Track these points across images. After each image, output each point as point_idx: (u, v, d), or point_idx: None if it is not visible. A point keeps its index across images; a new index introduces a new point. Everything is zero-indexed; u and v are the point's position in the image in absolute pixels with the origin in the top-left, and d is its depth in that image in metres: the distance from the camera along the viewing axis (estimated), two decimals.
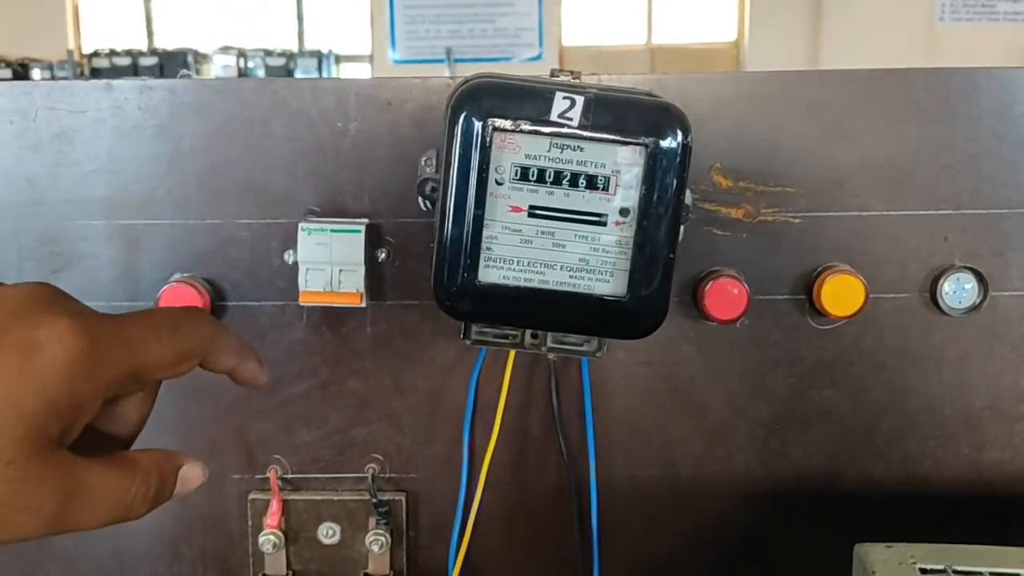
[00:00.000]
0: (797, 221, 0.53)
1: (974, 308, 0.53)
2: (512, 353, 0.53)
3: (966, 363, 0.54)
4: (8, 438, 0.28)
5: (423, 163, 0.49)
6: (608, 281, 0.43)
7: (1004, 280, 0.53)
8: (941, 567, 0.42)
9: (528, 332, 0.50)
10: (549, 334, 0.50)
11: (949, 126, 0.52)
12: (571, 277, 0.43)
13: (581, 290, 0.43)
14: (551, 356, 0.53)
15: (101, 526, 0.32)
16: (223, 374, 0.37)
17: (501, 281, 0.43)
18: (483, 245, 0.43)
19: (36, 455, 0.29)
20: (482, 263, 0.43)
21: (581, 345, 0.51)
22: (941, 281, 0.53)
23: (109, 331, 0.31)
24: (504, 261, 0.43)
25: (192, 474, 0.36)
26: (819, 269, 0.53)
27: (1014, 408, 0.55)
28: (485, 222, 0.43)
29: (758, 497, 0.56)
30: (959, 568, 0.42)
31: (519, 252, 0.43)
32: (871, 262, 0.53)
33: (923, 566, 0.42)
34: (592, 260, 0.43)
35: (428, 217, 0.51)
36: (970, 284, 0.53)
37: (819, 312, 0.53)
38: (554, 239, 0.43)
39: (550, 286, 0.43)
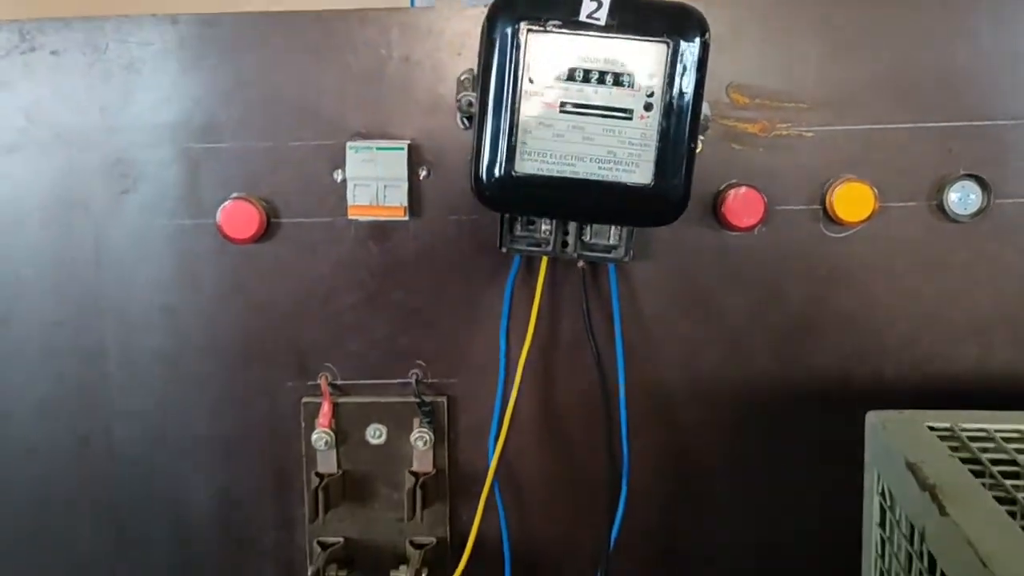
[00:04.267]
0: (810, 135, 0.57)
1: (979, 214, 0.57)
2: (545, 260, 0.56)
3: (973, 267, 0.58)
4: None
5: (461, 80, 0.53)
6: (634, 171, 0.47)
7: (1006, 187, 0.57)
8: (947, 425, 0.45)
9: (560, 239, 0.54)
10: (579, 241, 0.55)
11: (953, 42, 0.55)
12: (600, 168, 0.47)
13: (609, 179, 0.47)
14: (580, 263, 0.57)
15: None
16: None
17: (536, 172, 0.47)
18: (519, 139, 0.47)
19: None
20: (518, 156, 0.47)
21: (609, 252, 0.55)
22: (947, 189, 0.57)
23: None
24: (538, 154, 0.47)
25: None
26: (831, 180, 0.57)
27: (1020, 310, 0.58)
28: (520, 118, 0.47)
29: (774, 397, 0.59)
30: (966, 426, 0.45)
31: (552, 145, 0.47)
32: (880, 172, 0.57)
33: (931, 424, 0.45)
34: (619, 152, 0.47)
35: (466, 138, 0.55)
36: (975, 192, 0.57)
37: (832, 220, 0.57)
38: (584, 133, 0.47)
39: (581, 176, 0.47)
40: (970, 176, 0.56)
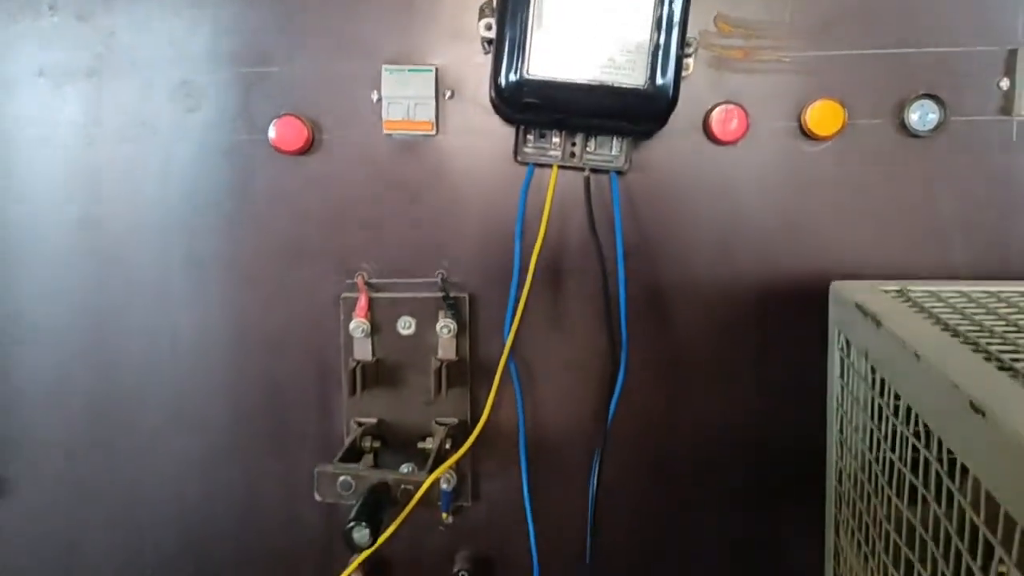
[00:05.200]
0: (787, 60, 0.65)
1: (936, 129, 0.65)
2: (554, 170, 0.65)
3: (931, 178, 0.65)
4: None
5: (481, 7, 0.62)
6: (631, 74, 0.56)
7: (960, 107, 0.64)
8: (898, 288, 0.53)
9: (568, 149, 0.63)
10: (584, 152, 0.63)
11: None
12: (601, 72, 0.56)
13: (609, 82, 0.56)
14: (586, 172, 0.65)
15: None
16: None
17: (546, 77, 0.56)
18: (531, 49, 0.55)
19: None
20: (533, 62, 0.56)
21: (611, 162, 0.64)
22: (908, 108, 0.64)
23: None
24: (548, 61, 0.56)
25: None
26: (806, 100, 0.65)
27: (974, 216, 0.65)
28: (532, 31, 0.55)
29: (757, 293, 0.67)
30: (913, 288, 0.53)
31: (560, 53, 0.56)
32: (849, 93, 0.64)
33: (884, 287, 0.53)
34: (618, 58, 0.56)
35: (484, 64, 0.64)
36: (933, 111, 0.65)
37: (807, 135, 0.65)
38: (587, 42, 0.56)
39: (585, 79, 0.56)
40: (928, 96, 0.64)
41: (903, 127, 0.65)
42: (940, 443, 0.36)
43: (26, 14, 0.67)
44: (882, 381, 0.45)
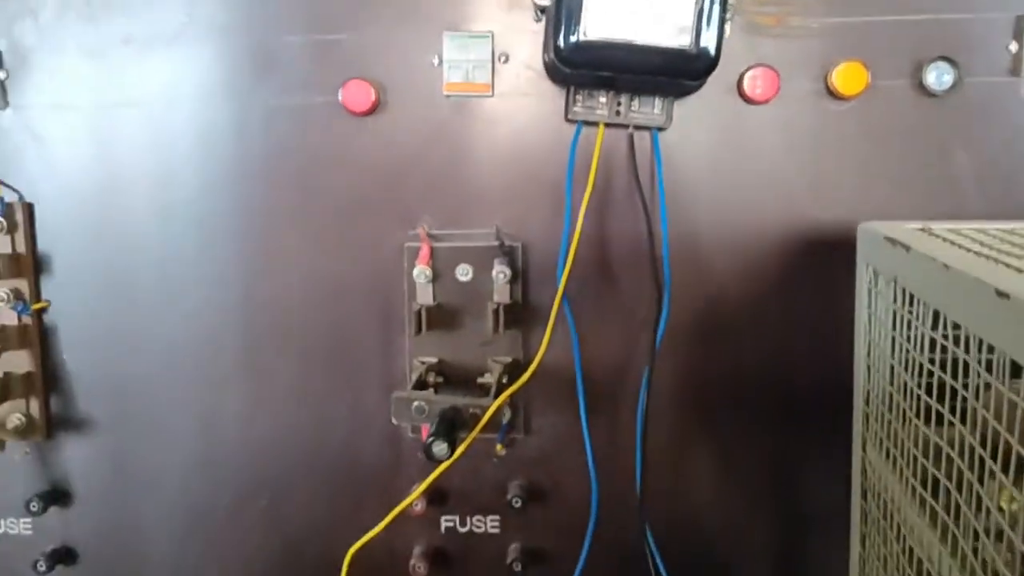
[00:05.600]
0: (815, 25, 0.71)
1: (951, 90, 0.70)
2: (601, 127, 0.71)
3: (947, 135, 0.71)
4: None
5: None
6: (677, 35, 0.61)
7: (973, 68, 0.70)
8: (921, 226, 0.59)
9: (614, 108, 0.69)
10: (629, 111, 0.69)
11: None
12: (651, 34, 0.62)
13: (659, 43, 0.62)
14: (630, 129, 0.71)
15: None
16: None
17: (600, 38, 0.62)
18: (588, 12, 0.61)
19: None
20: (588, 25, 0.61)
21: (653, 119, 0.70)
22: (925, 69, 0.70)
23: None
24: (604, 23, 0.61)
25: None
26: (832, 62, 0.71)
27: (986, 170, 0.71)
28: None
29: (792, 242, 0.73)
30: (936, 226, 0.59)
31: (614, 15, 0.61)
32: (872, 56, 0.70)
33: (908, 225, 0.59)
34: (667, 21, 0.61)
35: (536, 31, 0.70)
36: (948, 72, 0.70)
37: (832, 95, 0.71)
38: (638, 5, 0.61)
39: (637, 40, 0.62)
40: (944, 59, 0.70)
41: (920, 87, 0.71)
42: (967, 339, 0.42)
43: None
44: (911, 297, 0.51)
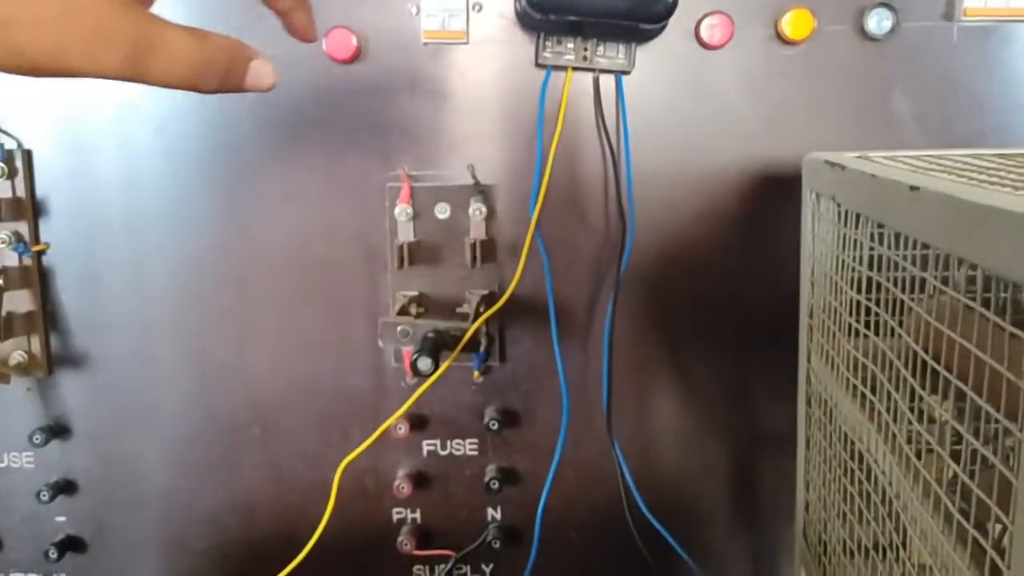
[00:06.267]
0: None
1: (891, 33, 0.76)
2: (569, 71, 0.76)
3: (888, 76, 0.77)
4: None
5: None
6: None
7: (911, 14, 0.76)
8: (859, 154, 0.65)
9: (581, 53, 0.74)
10: (595, 55, 0.74)
11: None
12: None
13: None
14: (595, 73, 0.76)
15: (172, 83, 0.36)
16: (278, 11, 0.46)
17: None
18: None
19: (122, 1, 0.33)
20: None
21: (618, 63, 0.75)
22: (866, 14, 0.76)
23: None
24: None
25: (263, 70, 0.41)
26: (782, 8, 0.76)
27: (926, 109, 0.77)
28: None
29: (746, 177, 0.79)
30: (875, 154, 0.64)
31: None
32: (818, 2, 0.76)
33: (850, 155, 0.65)
34: None
35: None
36: (887, 18, 0.76)
37: (782, 40, 0.76)
38: None
39: None
40: (883, 5, 0.76)
41: (862, 32, 0.76)
42: (895, 237, 0.47)
43: None
44: (846, 213, 0.57)
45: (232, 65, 0.39)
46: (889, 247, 0.48)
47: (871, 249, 0.52)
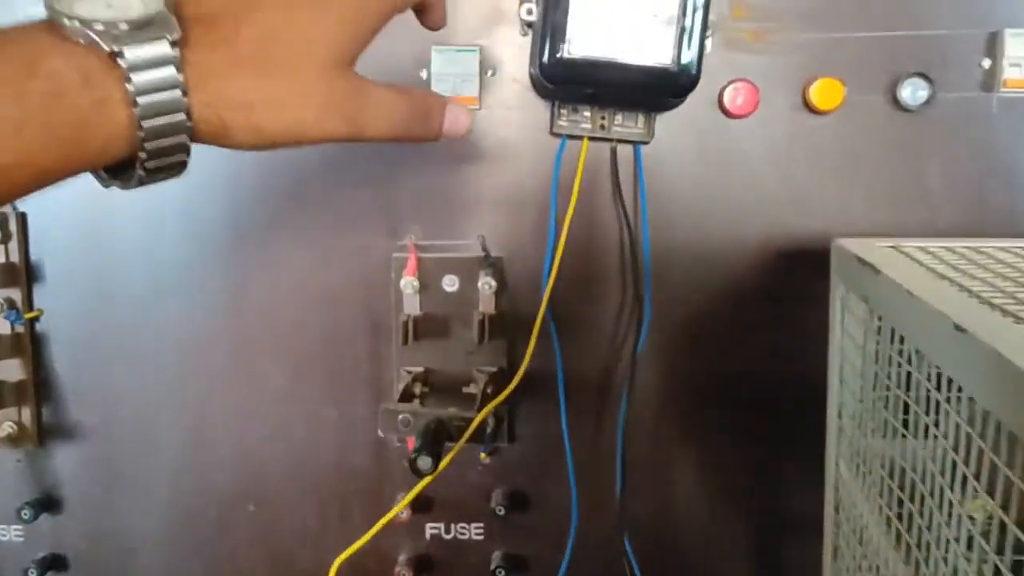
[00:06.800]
0: (794, 41, 0.72)
1: (926, 104, 0.72)
2: (585, 141, 0.72)
3: (922, 148, 0.73)
4: (321, 60, 0.36)
5: None
6: (660, 55, 0.63)
7: (947, 84, 0.72)
8: (892, 244, 0.61)
9: (598, 122, 0.70)
10: (612, 125, 0.70)
11: None
12: (634, 53, 0.63)
13: (640, 62, 0.63)
14: (613, 143, 0.72)
15: (384, 137, 0.41)
16: (416, 6, 0.48)
17: (583, 56, 0.63)
18: (572, 30, 0.63)
19: (339, 73, 0.37)
20: (573, 43, 0.63)
21: (636, 133, 0.71)
22: (900, 84, 0.72)
23: None
24: (588, 41, 0.63)
25: (459, 116, 0.44)
26: (810, 77, 0.72)
27: (960, 182, 0.73)
28: (573, 14, 0.62)
29: (770, 252, 0.75)
30: (906, 243, 0.60)
31: (598, 35, 0.63)
32: (848, 71, 0.72)
33: (879, 244, 0.61)
34: (649, 41, 0.63)
35: (523, 45, 0.71)
36: (922, 88, 0.72)
37: (810, 109, 0.73)
38: (623, 26, 0.63)
39: (620, 59, 0.63)
40: (918, 74, 0.72)
41: (895, 102, 0.72)
42: (929, 366, 0.43)
43: None
44: (879, 319, 0.53)
45: (431, 113, 0.43)
46: (929, 378, 0.43)
47: (908, 374, 0.47)
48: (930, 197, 0.73)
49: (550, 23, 0.63)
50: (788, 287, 0.75)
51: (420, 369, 0.75)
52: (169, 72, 0.32)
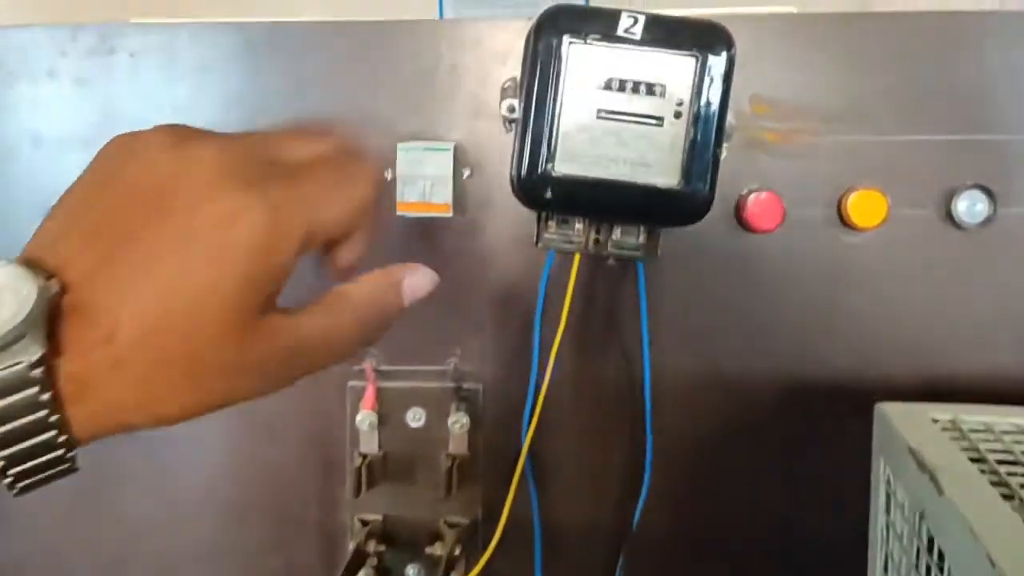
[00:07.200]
0: (826, 144, 0.61)
1: (985, 222, 0.61)
2: (577, 256, 0.60)
3: (979, 273, 0.61)
4: (219, 323, 0.28)
5: (504, 87, 0.58)
6: (664, 173, 0.52)
7: (1011, 198, 0.60)
8: (950, 417, 0.49)
9: (591, 237, 0.58)
10: (609, 239, 0.59)
11: (960, 57, 0.59)
12: (632, 171, 0.52)
13: (640, 181, 0.52)
14: (610, 260, 0.61)
15: (327, 366, 0.33)
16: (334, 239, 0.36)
17: (572, 173, 0.52)
18: (558, 142, 0.51)
19: (247, 330, 0.29)
20: (558, 158, 0.52)
21: (637, 250, 0.59)
22: (955, 198, 0.60)
23: (288, 197, 0.30)
24: (575, 156, 0.52)
25: (418, 283, 0.37)
26: (846, 187, 0.61)
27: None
28: (560, 123, 0.51)
29: (789, 391, 0.63)
30: (966, 418, 0.49)
31: (589, 149, 0.52)
32: (892, 181, 0.60)
33: (934, 416, 0.49)
34: (650, 156, 0.52)
35: (507, 141, 0.60)
36: (981, 202, 0.61)
37: (846, 225, 0.61)
38: (618, 138, 0.51)
39: (615, 178, 0.52)
40: (977, 187, 0.60)
41: (949, 218, 0.61)
42: None
43: (22, 79, 0.63)
44: (938, 547, 0.41)
45: (382, 313, 0.35)
46: None
47: None
48: (988, 330, 0.62)
49: (531, 130, 0.51)
50: (813, 430, 0.63)
51: (378, 518, 0.64)
52: (30, 394, 0.27)
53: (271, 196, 0.29)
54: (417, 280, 0.37)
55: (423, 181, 0.61)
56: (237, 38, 0.61)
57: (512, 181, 0.54)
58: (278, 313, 0.31)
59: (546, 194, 0.52)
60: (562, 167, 0.52)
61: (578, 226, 0.59)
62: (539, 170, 0.52)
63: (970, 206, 0.61)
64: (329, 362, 0.33)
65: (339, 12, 0.66)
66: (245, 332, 0.29)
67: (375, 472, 0.62)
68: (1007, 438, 0.47)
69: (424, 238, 0.62)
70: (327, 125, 0.37)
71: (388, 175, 0.62)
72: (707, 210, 0.52)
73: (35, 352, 0.27)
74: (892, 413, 0.50)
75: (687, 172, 0.51)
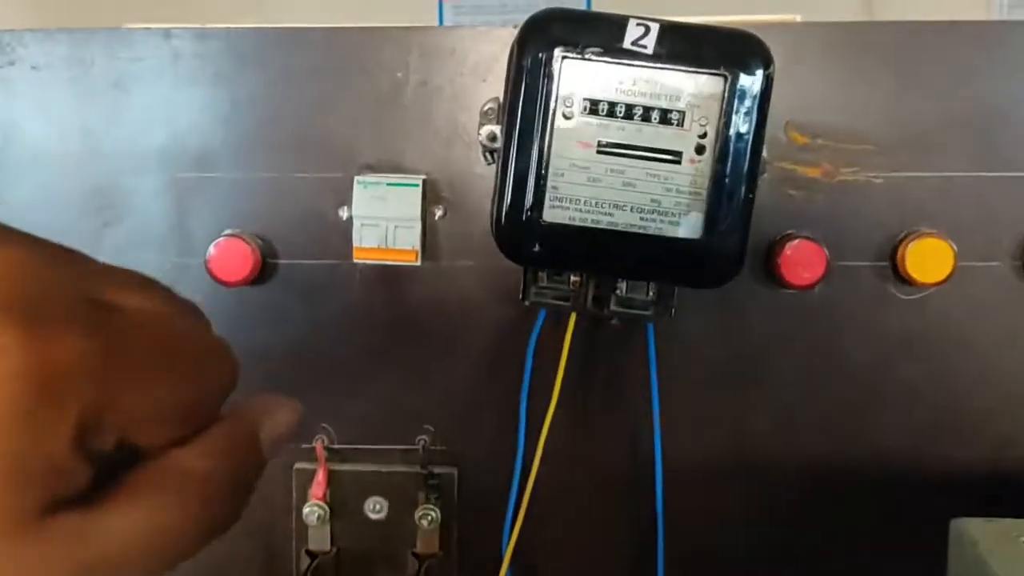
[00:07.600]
0: (879, 181, 0.50)
1: None
2: (573, 316, 0.49)
3: None
4: None
5: (484, 111, 0.47)
6: (682, 223, 0.40)
7: None
8: None
9: (590, 293, 0.47)
10: (613, 295, 0.48)
11: None
12: (641, 219, 0.41)
13: (652, 232, 0.41)
14: (614, 320, 0.50)
15: (164, 572, 0.24)
16: None
17: (567, 221, 0.41)
18: (548, 183, 0.41)
19: (24, 537, 0.22)
20: (547, 202, 0.41)
21: (647, 308, 0.48)
22: None
23: (85, 352, 0.19)
24: (570, 200, 0.41)
25: (281, 424, 0.26)
26: (903, 233, 0.50)
27: None
28: (551, 159, 0.40)
29: (832, 481, 0.52)
30: None
31: (586, 191, 0.41)
32: (958, 226, 0.50)
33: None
34: (665, 200, 0.41)
35: (489, 174, 0.49)
36: None
37: (903, 280, 0.50)
38: (624, 177, 0.41)
39: (619, 227, 0.41)
40: None
41: None
42: None
43: None
44: None
45: (239, 472, 0.23)
46: None
47: None
48: None
49: (514, 167, 0.40)
50: (860, 530, 0.52)
51: None
52: None
53: (55, 343, 0.17)
54: (280, 420, 0.24)
55: (385, 223, 0.50)
56: (161, 47, 0.51)
57: (492, 227, 0.43)
58: (72, 512, 0.19)
59: (532, 247, 0.42)
60: (552, 214, 0.41)
61: (575, 279, 0.48)
62: (523, 217, 0.41)
63: None
64: (163, 568, 0.21)
65: (333, 20, 0.55)
66: (24, 543, 0.18)
67: (326, 574, 0.51)
68: None
69: (386, 291, 0.52)
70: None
71: (344, 214, 0.51)
72: (737, 270, 0.42)
73: None
74: (977, 533, 0.39)
75: (712, 221, 0.40)
